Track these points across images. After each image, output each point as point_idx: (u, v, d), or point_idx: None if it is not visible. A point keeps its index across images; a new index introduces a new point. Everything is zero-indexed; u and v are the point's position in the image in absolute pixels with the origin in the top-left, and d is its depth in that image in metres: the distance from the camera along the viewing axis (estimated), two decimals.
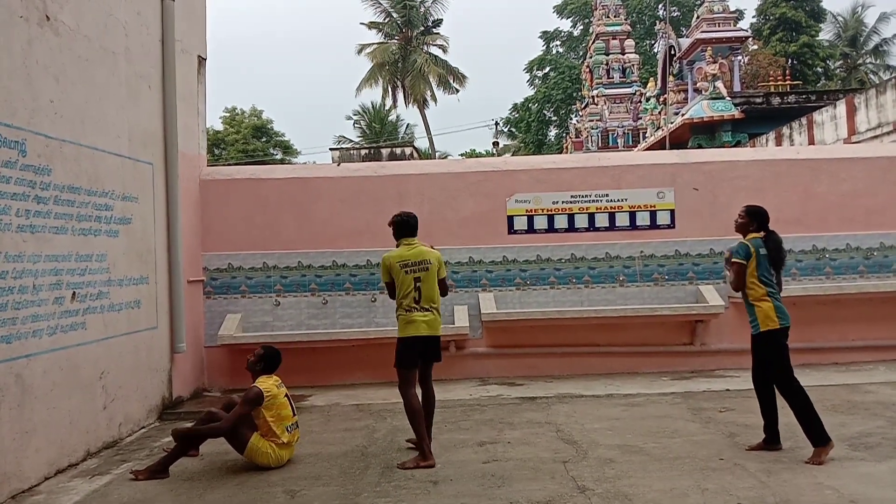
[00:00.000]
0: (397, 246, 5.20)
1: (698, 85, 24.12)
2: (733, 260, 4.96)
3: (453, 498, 4.20)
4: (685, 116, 22.96)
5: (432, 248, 5.28)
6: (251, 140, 39.85)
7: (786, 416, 4.89)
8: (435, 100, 41.59)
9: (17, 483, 4.56)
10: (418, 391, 5.09)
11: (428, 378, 5.18)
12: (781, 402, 4.86)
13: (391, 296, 5.19)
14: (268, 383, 4.96)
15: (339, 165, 9.04)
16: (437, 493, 4.31)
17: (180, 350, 6.99)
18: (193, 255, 7.70)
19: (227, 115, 41.23)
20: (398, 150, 21.11)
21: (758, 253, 4.88)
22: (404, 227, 5.18)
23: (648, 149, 24.76)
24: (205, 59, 8.06)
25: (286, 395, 5.03)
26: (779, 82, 25.99)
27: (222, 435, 4.89)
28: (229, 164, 29.27)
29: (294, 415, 5.06)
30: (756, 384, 4.97)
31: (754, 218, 5.03)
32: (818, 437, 4.63)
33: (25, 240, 4.78)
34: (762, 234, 4.99)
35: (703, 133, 22.95)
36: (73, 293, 5.30)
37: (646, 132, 28.92)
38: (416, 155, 20.91)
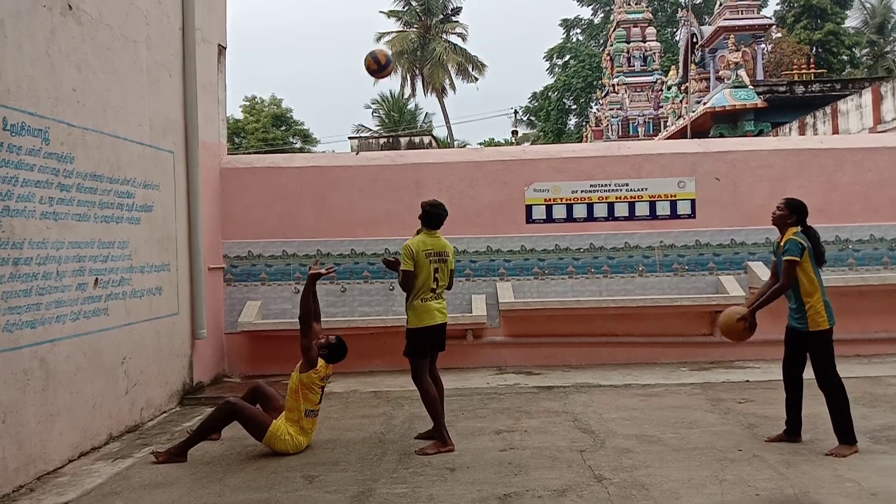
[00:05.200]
0: (417, 233, 5.19)
1: (720, 73, 23.79)
2: (787, 258, 4.67)
3: (470, 485, 4.22)
4: (707, 105, 22.69)
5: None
6: (271, 129, 40.03)
7: (807, 409, 4.86)
8: (454, 88, 41.64)
9: (41, 465, 4.65)
10: None
11: (434, 364, 5.25)
12: (806, 395, 4.81)
13: (407, 285, 5.06)
14: (321, 366, 5.04)
15: (357, 154, 9.05)
16: (453, 479, 4.34)
17: (201, 336, 7.07)
18: (214, 243, 7.77)
19: (247, 103, 41.44)
20: (417, 139, 21.08)
21: (808, 248, 4.68)
22: (434, 220, 5.18)
23: (669, 138, 24.52)
24: (225, 48, 8.09)
25: (323, 388, 5.10)
26: (803, 71, 25.57)
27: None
28: (249, 153, 29.43)
29: (318, 403, 5.10)
30: (785, 376, 4.89)
31: (794, 211, 4.83)
32: (845, 434, 4.58)
33: (49, 227, 4.84)
34: (800, 228, 4.80)
35: (725, 122, 22.66)
36: (96, 280, 5.37)
37: (667, 121, 28.64)
38: (434, 144, 20.86)
